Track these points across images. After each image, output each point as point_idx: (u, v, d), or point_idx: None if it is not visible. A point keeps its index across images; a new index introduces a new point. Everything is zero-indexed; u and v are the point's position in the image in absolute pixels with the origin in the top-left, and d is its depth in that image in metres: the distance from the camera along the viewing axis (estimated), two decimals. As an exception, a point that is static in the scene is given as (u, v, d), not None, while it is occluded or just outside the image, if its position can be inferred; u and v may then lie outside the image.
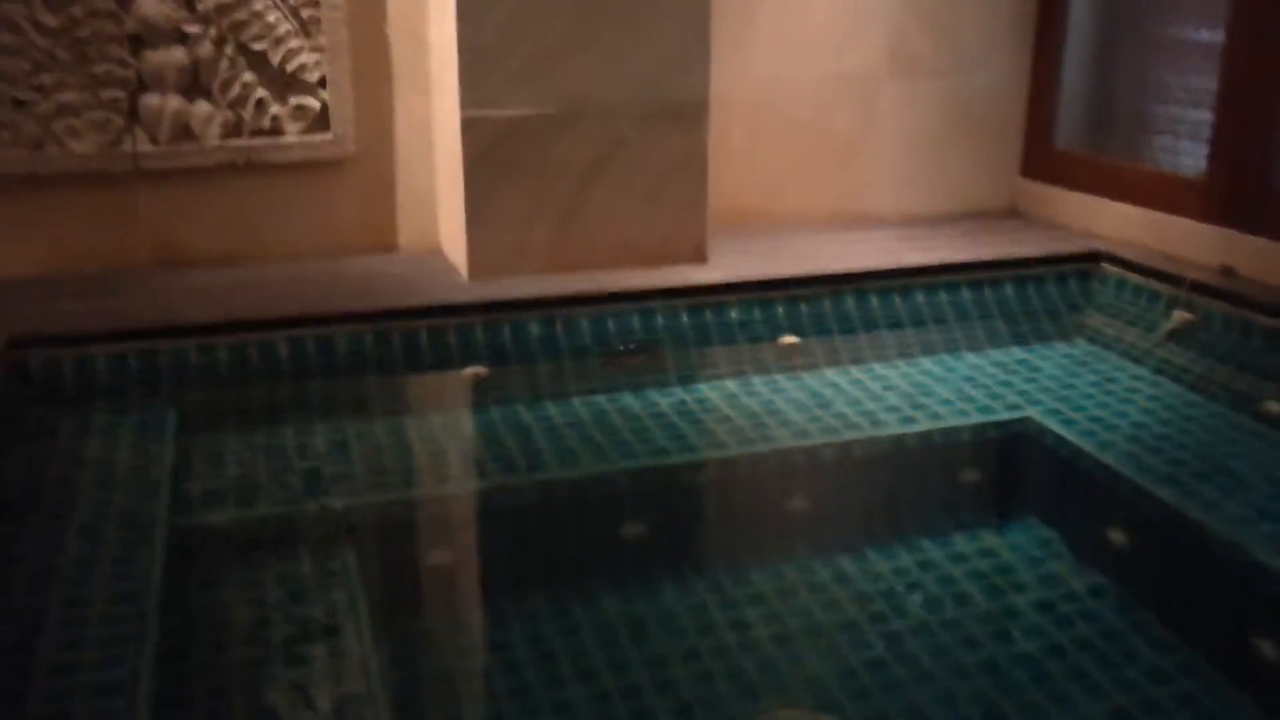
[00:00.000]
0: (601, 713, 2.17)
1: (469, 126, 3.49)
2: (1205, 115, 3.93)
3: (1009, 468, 3.04)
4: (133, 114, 3.46)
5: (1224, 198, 3.81)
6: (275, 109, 3.59)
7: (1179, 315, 3.66)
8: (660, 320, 3.54)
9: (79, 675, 1.84)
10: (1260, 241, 3.65)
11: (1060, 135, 4.58)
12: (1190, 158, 4.09)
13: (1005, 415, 3.06)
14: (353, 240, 3.82)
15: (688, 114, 3.73)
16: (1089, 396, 3.20)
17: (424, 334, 3.32)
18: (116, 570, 2.16)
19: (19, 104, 3.36)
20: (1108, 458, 2.78)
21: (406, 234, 3.89)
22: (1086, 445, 2.85)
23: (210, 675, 2.02)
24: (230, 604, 2.24)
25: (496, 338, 3.37)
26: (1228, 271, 3.70)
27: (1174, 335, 3.62)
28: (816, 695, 2.21)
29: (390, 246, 3.88)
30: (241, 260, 3.68)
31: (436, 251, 3.91)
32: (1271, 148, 3.68)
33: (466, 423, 3.09)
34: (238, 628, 2.16)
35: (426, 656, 2.37)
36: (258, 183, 3.65)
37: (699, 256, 3.84)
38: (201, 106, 3.52)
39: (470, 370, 3.27)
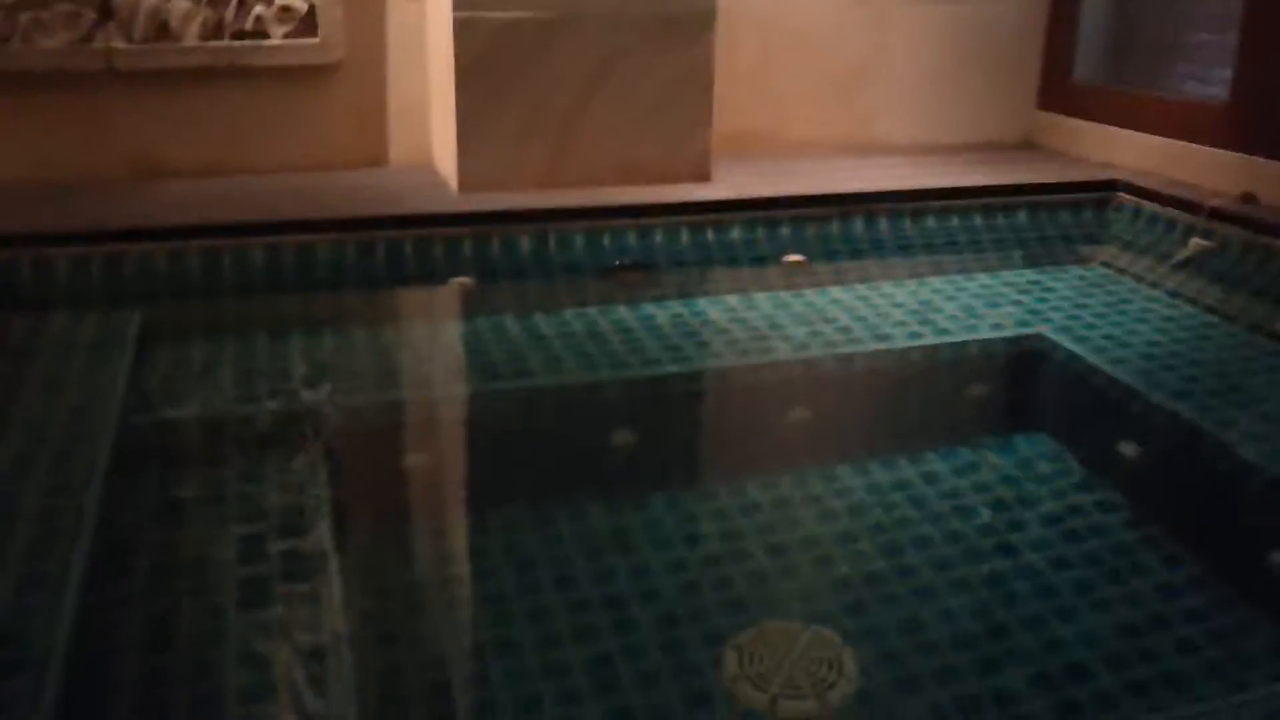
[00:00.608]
0: (580, 622, 2.03)
1: (462, 29, 3.33)
2: (1227, 40, 3.77)
3: (1019, 383, 2.90)
4: (106, 9, 3.29)
5: (1246, 124, 3.67)
6: (259, 9, 3.43)
7: (1196, 242, 3.52)
8: (659, 238, 3.39)
9: (4, 569, 1.70)
10: None
11: (1079, 66, 4.41)
12: (1212, 85, 3.94)
13: (1016, 331, 2.91)
14: (340, 153, 3.67)
15: (692, 25, 3.56)
16: (1102, 316, 3.05)
17: (409, 245, 3.18)
18: (57, 465, 2.02)
19: (-17, -3, 3.21)
20: (1120, 373, 2.64)
21: (397, 147, 3.74)
22: (1099, 361, 2.71)
23: (156, 576, 1.88)
24: (185, 505, 2.10)
25: (485, 251, 3.23)
26: (1249, 198, 3.55)
27: (1191, 262, 3.49)
28: (810, 609, 2.07)
29: (380, 160, 3.73)
30: (222, 173, 3.53)
31: (428, 166, 3.76)
32: None
33: (449, 332, 2.95)
34: (191, 528, 2.03)
35: (396, 563, 2.24)
36: (240, 89, 3.49)
37: (702, 175, 3.69)
38: (180, 3, 3.35)
39: (456, 280, 3.12)
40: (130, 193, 3.32)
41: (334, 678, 1.62)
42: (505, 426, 2.57)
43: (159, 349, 2.66)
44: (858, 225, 3.60)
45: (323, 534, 2.01)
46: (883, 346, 2.80)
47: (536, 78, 3.43)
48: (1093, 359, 2.72)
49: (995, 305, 3.11)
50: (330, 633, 1.73)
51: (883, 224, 3.63)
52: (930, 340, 2.84)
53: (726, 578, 2.16)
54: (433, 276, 3.15)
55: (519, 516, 2.33)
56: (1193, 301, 3.23)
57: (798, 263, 3.38)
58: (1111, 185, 3.89)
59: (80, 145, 3.37)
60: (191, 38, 3.37)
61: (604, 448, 2.53)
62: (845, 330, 2.89)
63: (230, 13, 3.40)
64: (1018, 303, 3.14)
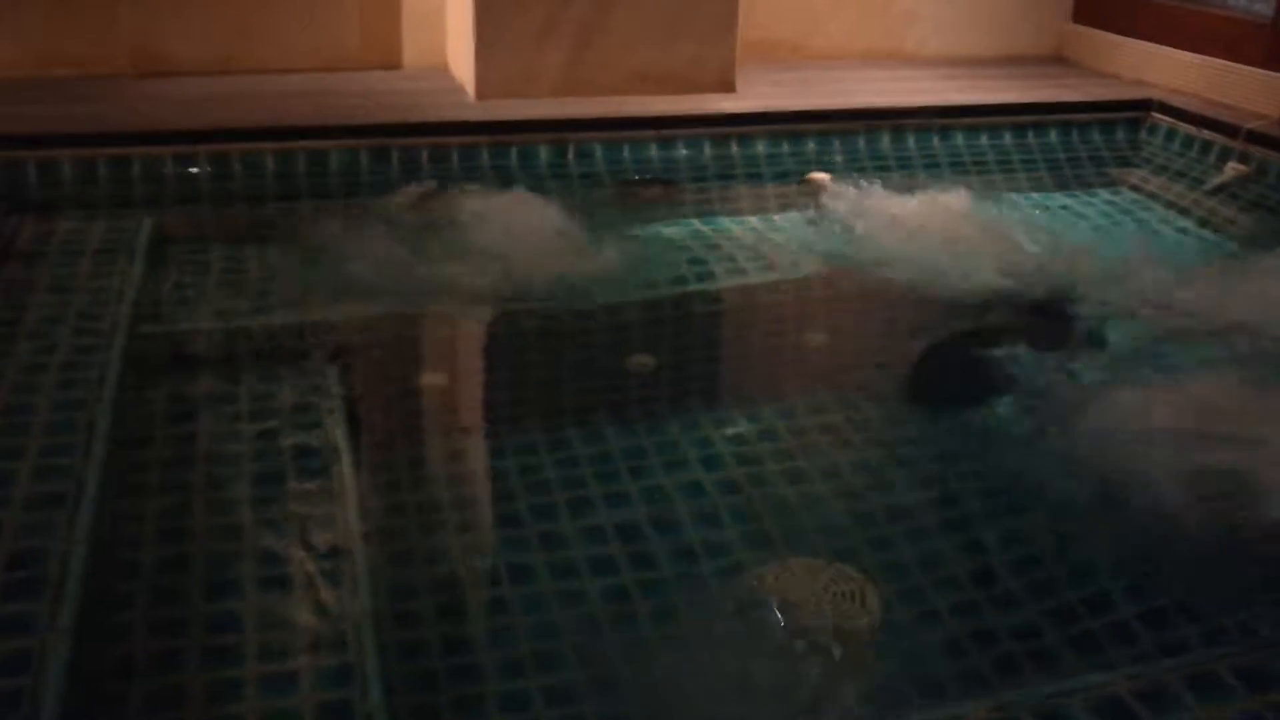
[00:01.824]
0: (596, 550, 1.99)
1: (480, -73, 3.21)
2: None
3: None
4: (113, -101, 3.18)
5: None
6: (269, -97, 3.31)
7: (1233, 166, 3.42)
8: (682, 151, 3.30)
9: (16, 487, 1.65)
10: None
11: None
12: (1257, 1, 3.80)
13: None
14: (354, 54, 3.57)
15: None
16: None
17: (424, 153, 3.09)
18: (65, 377, 1.97)
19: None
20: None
21: (411, 49, 3.63)
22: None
23: (168, 492, 1.84)
24: (197, 417, 2.05)
25: (503, 159, 3.14)
26: None
27: (1226, 188, 3.38)
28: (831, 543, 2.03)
29: (394, 63, 3.62)
30: (231, 72, 3.43)
31: (443, 69, 3.65)
32: None
33: (468, 241, 2.87)
34: (203, 441, 1.98)
35: (410, 483, 2.19)
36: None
37: (726, 86, 3.58)
38: (188, -106, 3.24)
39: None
40: (135, 91, 3.24)
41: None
42: (522, 345, 2.51)
43: (169, 256, 2.60)
44: (884, 141, 3.51)
45: (331, 453, 1.97)
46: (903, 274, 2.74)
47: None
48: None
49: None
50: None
51: (910, 140, 3.53)
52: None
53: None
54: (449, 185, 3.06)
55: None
56: (1221, 231, 3.15)
57: (820, 182, 3.28)
58: (1145, 105, 3.78)
59: (85, 39, 3.28)
60: (200, -70, 3.26)
61: (620, 369, 2.48)
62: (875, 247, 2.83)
63: (240, -95, 3.28)
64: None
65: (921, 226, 3.02)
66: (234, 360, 2.28)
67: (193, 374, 2.19)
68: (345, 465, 1.95)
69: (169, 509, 1.78)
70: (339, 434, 2.04)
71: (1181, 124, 3.66)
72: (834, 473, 2.18)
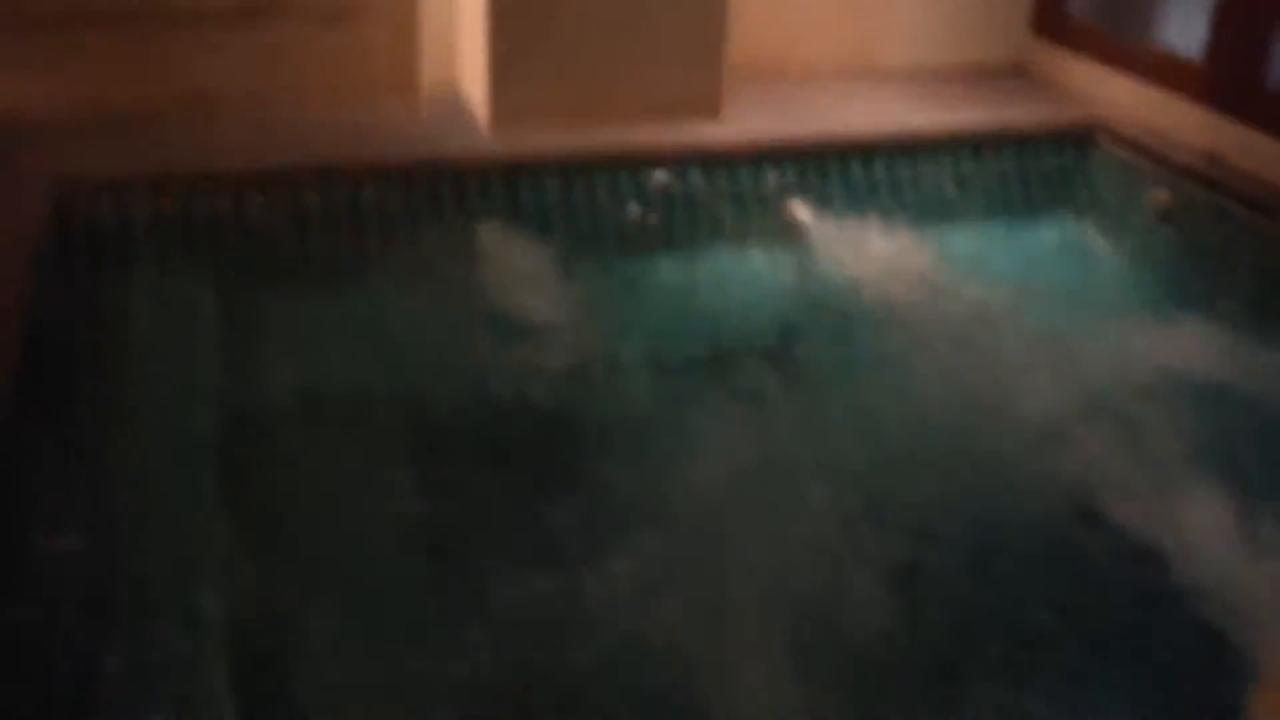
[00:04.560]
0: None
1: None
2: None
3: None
4: (160, -44, 3.49)
5: (1218, 83, 3.82)
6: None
7: (1159, 194, 3.75)
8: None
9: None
10: (1248, 131, 3.68)
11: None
12: (1195, 39, 4.09)
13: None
14: (376, 81, 3.88)
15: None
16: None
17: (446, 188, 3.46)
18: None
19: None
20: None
21: (429, 77, 3.95)
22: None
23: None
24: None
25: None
26: (1213, 158, 3.73)
27: (1160, 216, 3.74)
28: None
29: (412, 88, 3.94)
30: (265, 102, 3.75)
31: (455, 98, 3.97)
32: (1270, 36, 3.66)
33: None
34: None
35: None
36: (280, 24, 3.70)
37: (713, 112, 3.92)
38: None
39: None
40: (185, 128, 3.55)
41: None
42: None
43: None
44: (856, 170, 3.88)
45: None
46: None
47: (566, 15, 3.65)
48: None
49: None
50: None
51: (879, 167, 3.90)
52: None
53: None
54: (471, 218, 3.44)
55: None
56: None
57: (798, 213, 3.68)
58: (1092, 129, 4.12)
59: (136, 78, 3.60)
60: (237, -22, 3.57)
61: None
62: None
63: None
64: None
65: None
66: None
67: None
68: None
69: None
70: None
71: (1121, 150, 4.01)
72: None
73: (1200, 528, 2.33)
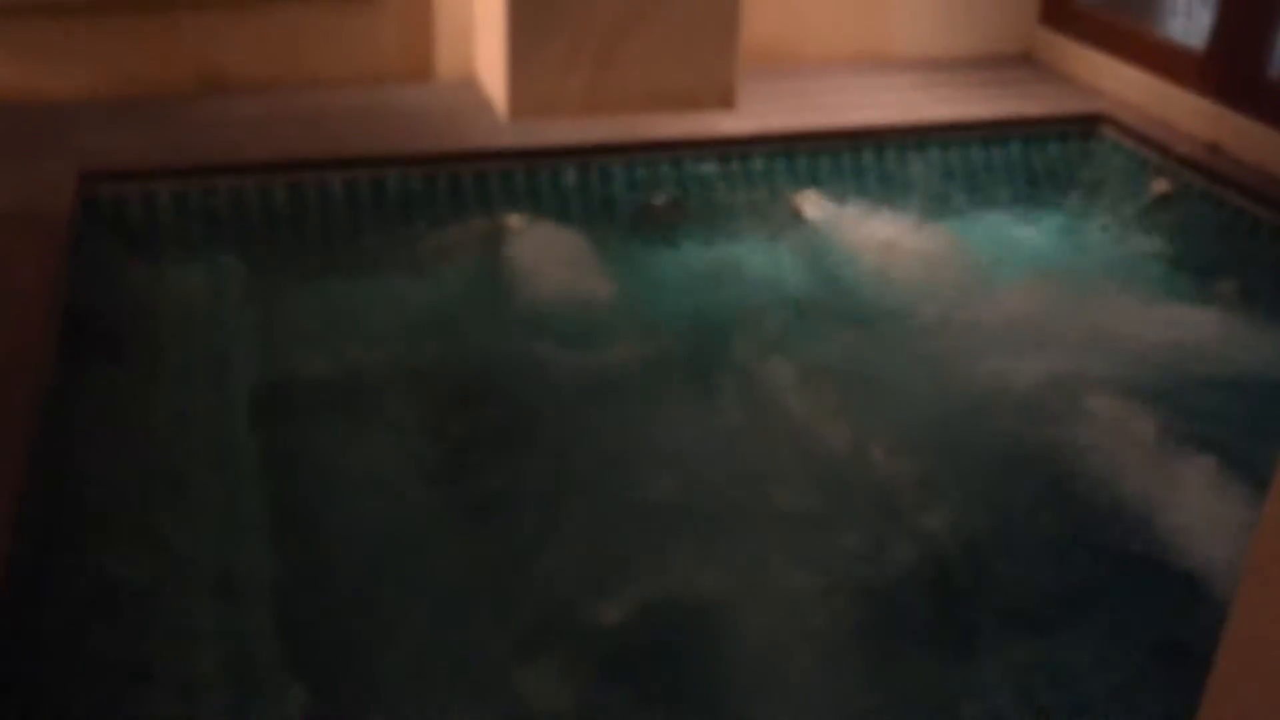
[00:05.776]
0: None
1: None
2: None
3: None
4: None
5: (1219, 73, 3.87)
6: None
7: (1160, 184, 3.82)
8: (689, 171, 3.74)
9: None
10: (1248, 122, 3.74)
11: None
12: (1198, 29, 4.14)
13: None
14: (392, 67, 3.94)
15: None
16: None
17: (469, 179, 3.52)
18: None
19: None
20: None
21: (443, 61, 4.01)
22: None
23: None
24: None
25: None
26: (1214, 148, 3.78)
27: (1159, 204, 3.80)
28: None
29: (427, 73, 4.00)
30: (282, 85, 3.80)
31: (472, 81, 4.03)
32: (1272, 28, 3.71)
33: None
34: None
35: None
36: (298, 8, 3.75)
37: (727, 103, 3.98)
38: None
39: None
40: (207, 113, 3.61)
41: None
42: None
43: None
44: (868, 157, 3.94)
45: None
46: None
47: (584, 6, 3.70)
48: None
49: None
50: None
51: (890, 157, 3.96)
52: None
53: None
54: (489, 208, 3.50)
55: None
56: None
57: (810, 200, 3.74)
58: (1097, 119, 4.18)
59: (156, 61, 3.66)
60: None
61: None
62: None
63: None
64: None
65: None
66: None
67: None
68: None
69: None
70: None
71: (1125, 139, 4.07)
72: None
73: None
